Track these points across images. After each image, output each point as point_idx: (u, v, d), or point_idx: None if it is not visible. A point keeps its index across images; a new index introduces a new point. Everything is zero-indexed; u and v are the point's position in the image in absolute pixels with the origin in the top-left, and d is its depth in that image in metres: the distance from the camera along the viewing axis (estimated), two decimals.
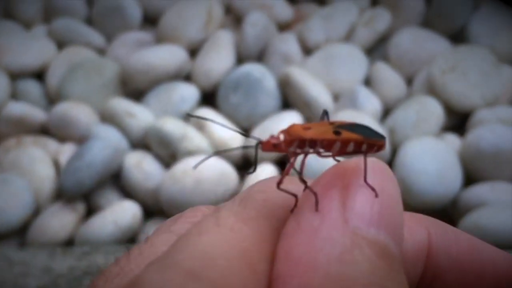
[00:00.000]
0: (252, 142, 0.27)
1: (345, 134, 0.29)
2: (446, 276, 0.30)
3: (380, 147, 0.29)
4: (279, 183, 0.27)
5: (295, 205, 0.27)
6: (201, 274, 0.24)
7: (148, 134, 0.92)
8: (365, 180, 0.26)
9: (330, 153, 0.29)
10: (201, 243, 0.25)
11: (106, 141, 0.90)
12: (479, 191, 0.84)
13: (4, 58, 1.03)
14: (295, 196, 0.27)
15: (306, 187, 0.27)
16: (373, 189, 0.26)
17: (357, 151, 0.29)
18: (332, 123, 0.29)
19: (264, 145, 0.30)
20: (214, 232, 0.25)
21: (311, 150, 0.29)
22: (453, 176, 0.86)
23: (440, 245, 0.30)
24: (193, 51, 1.02)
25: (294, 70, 0.95)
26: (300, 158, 0.29)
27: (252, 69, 0.96)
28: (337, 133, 0.29)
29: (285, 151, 0.29)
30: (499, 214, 0.80)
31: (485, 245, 0.31)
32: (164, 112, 0.96)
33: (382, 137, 0.29)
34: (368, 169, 0.27)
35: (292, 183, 0.27)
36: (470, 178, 0.87)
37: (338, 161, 0.29)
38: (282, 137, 0.29)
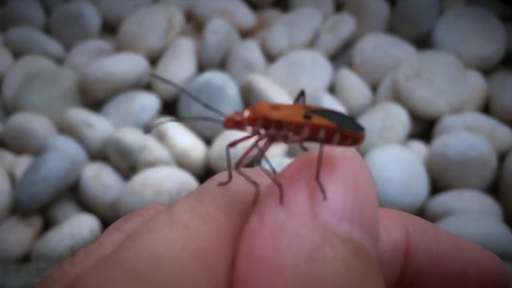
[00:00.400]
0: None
1: (317, 120, 0.26)
2: (426, 277, 0.28)
3: (356, 140, 0.26)
4: (238, 165, 0.24)
5: (257, 198, 0.24)
6: (146, 275, 0.21)
7: (107, 145, 0.89)
8: (317, 176, 0.23)
9: (297, 139, 0.26)
10: (149, 241, 0.22)
11: (63, 153, 0.87)
12: (446, 199, 0.82)
13: None
14: (256, 186, 0.24)
15: (270, 178, 0.24)
16: (343, 180, 0.23)
17: (328, 140, 0.26)
18: (306, 107, 0.27)
19: (226, 122, 0.27)
20: (165, 229, 0.23)
21: (276, 133, 0.26)
22: (420, 185, 0.84)
23: (419, 244, 0.28)
24: (154, 60, 1.00)
25: (257, 78, 0.93)
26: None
27: (214, 77, 0.94)
28: (307, 117, 0.26)
29: (246, 130, 0.26)
30: (467, 223, 0.78)
31: (468, 243, 0.29)
32: (124, 122, 0.93)
33: (360, 129, 0.26)
34: (340, 159, 0.24)
35: (256, 175, 0.25)
36: (437, 186, 0.85)
37: (305, 149, 0.26)
38: (246, 113, 0.26)
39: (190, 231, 0.23)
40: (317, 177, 0.23)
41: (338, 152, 0.24)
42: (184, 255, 0.22)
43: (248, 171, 0.25)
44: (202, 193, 0.24)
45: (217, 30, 0.98)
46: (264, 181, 0.24)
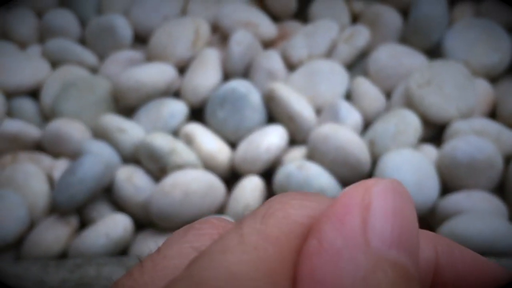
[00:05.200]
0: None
1: None
2: None
3: None
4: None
5: (316, 223, 0.26)
6: None
7: (138, 149, 0.91)
8: (369, 205, 0.25)
9: None
10: (226, 261, 0.23)
11: (98, 157, 0.89)
12: (456, 199, 0.84)
13: (0, 78, 1.02)
14: (315, 213, 0.26)
15: (326, 203, 0.25)
16: (392, 210, 0.25)
17: None
18: None
19: None
20: (238, 250, 0.24)
21: None
22: (431, 186, 0.85)
23: (447, 262, 0.29)
24: (182, 69, 1.02)
25: (278, 86, 0.94)
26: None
27: (238, 85, 0.96)
28: None
29: None
30: (475, 222, 0.79)
31: (488, 262, 0.30)
32: (154, 128, 0.95)
33: None
34: (387, 189, 0.25)
35: (311, 200, 0.26)
36: (447, 187, 0.86)
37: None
38: None
39: (259, 252, 0.24)
40: (369, 205, 0.25)
41: (387, 183, 0.26)
42: (257, 275, 0.23)
43: (306, 194, 0.26)
44: (266, 216, 0.26)
45: (241, 41, 0.99)
46: (319, 205, 0.26)
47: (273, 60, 0.99)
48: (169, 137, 0.92)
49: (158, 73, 0.99)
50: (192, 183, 0.87)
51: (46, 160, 0.95)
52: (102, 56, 1.07)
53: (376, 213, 0.25)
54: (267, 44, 1.04)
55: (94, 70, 1.05)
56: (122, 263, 0.79)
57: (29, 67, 1.04)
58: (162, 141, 0.90)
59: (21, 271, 0.79)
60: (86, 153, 0.90)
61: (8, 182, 0.92)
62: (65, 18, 1.10)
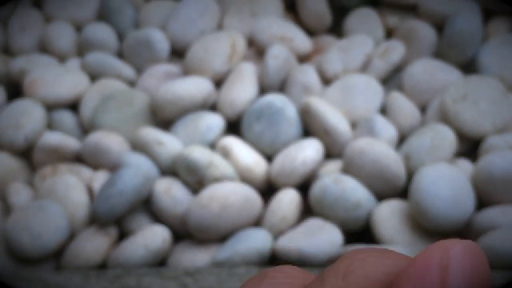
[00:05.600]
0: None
1: None
2: None
3: None
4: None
5: (395, 282, 0.27)
6: None
7: (176, 161, 0.93)
8: (447, 265, 0.26)
9: None
10: None
11: (137, 169, 0.90)
12: (491, 214, 0.84)
13: (40, 90, 1.03)
14: (392, 270, 0.27)
15: (403, 262, 0.27)
16: (469, 272, 0.26)
17: None
18: None
19: None
20: None
21: None
22: (466, 200, 0.85)
23: None
24: (218, 83, 1.03)
25: (314, 100, 0.95)
26: None
27: (274, 99, 0.97)
28: None
29: None
30: (511, 237, 0.80)
31: None
32: (192, 141, 0.96)
33: None
34: (465, 251, 0.26)
35: (388, 257, 0.27)
36: (482, 202, 0.87)
37: None
38: None
39: None
40: (448, 266, 0.26)
41: (465, 245, 0.27)
42: None
43: (383, 251, 0.28)
44: (347, 273, 0.27)
45: (277, 55, 1.01)
46: (396, 263, 0.27)
47: (308, 74, 1.00)
48: (207, 150, 0.93)
49: (195, 87, 1.00)
50: (230, 195, 0.88)
51: (85, 172, 0.97)
52: (139, 70, 1.08)
53: (455, 274, 0.26)
54: (302, 59, 1.05)
55: (131, 83, 1.07)
56: (161, 274, 0.80)
57: (68, 80, 1.05)
58: (199, 154, 0.91)
59: (62, 281, 0.80)
60: (125, 165, 0.92)
61: (48, 193, 0.93)
62: (103, 32, 1.11)
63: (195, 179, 0.91)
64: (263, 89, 1.01)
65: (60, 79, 1.05)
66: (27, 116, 1.00)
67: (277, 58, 1.00)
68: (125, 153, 0.95)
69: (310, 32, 1.10)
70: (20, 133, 0.99)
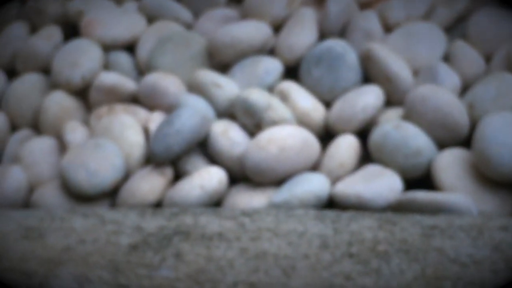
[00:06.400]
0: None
1: None
2: None
3: None
4: None
5: None
6: None
7: (234, 104, 0.91)
8: None
9: None
10: None
11: (194, 110, 0.89)
12: None
13: (97, 31, 1.02)
14: None
15: None
16: None
17: None
18: None
19: None
20: None
21: None
22: None
23: None
24: (277, 27, 1.01)
25: (376, 46, 0.93)
26: None
27: (334, 44, 0.94)
28: None
29: None
30: None
31: None
32: (249, 84, 0.94)
33: None
34: None
35: None
36: None
37: None
38: None
39: None
40: None
41: None
42: None
43: None
44: None
45: (339, 0, 0.98)
46: None
47: (370, 20, 0.97)
48: (265, 93, 0.91)
49: (254, 30, 0.98)
50: (288, 138, 0.86)
51: (141, 112, 0.95)
52: (197, 13, 1.07)
53: None
54: (364, 5, 1.02)
55: (189, 27, 1.05)
56: (218, 214, 0.79)
57: (125, 21, 1.04)
58: (258, 97, 0.89)
59: (119, 217, 0.79)
60: (182, 106, 0.90)
61: (104, 132, 0.92)
62: None
63: (253, 122, 0.89)
64: (322, 35, 0.98)
65: (117, 20, 1.04)
66: (84, 56, 0.99)
67: (338, 3, 0.98)
68: (182, 94, 0.93)
69: None
70: (77, 72, 0.98)
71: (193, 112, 0.88)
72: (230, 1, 1.08)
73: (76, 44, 1.01)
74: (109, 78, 0.97)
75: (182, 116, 0.87)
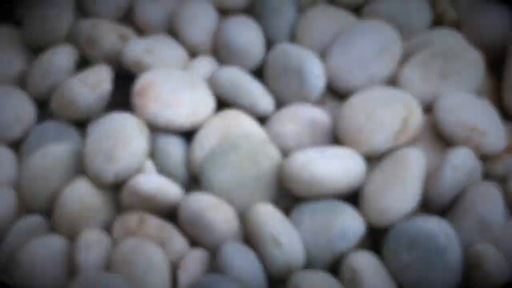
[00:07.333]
0: None
1: None
2: None
3: None
4: None
5: None
6: None
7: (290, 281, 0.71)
8: None
9: None
10: None
11: (237, 279, 0.69)
12: None
13: (151, 106, 0.80)
14: None
15: None
16: None
17: None
18: None
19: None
20: None
21: None
22: None
23: None
24: (370, 159, 0.78)
25: (489, 252, 0.70)
26: None
27: (438, 232, 0.71)
28: None
29: None
30: None
31: None
32: (316, 243, 0.74)
33: None
34: None
35: None
36: None
37: None
38: None
39: None
40: None
41: None
42: None
43: None
44: None
45: (459, 167, 0.74)
46: None
47: (491, 203, 0.74)
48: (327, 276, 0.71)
49: (343, 170, 0.75)
50: None
51: (176, 242, 0.75)
52: (279, 101, 0.85)
53: None
54: (488, 160, 0.79)
55: (262, 120, 0.83)
56: None
57: (189, 98, 0.82)
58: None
59: None
60: (225, 264, 0.71)
61: (123, 263, 0.72)
62: (250, 32, 0.87)
63: None
64: (426, 203, 0.76)
65: (185, 92, 0.82)
66: (124, 148, 0.77)
67: (457, 170, 0.74)
68: (229, 244, 0.72)
69: (509, 116, 0.82)
70: (111, 168, 0.76)
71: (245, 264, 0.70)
72: (328, 95, 0.85)
73: (120, 121, 0.79)
74: (148, 185, 0.76)
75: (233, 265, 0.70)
